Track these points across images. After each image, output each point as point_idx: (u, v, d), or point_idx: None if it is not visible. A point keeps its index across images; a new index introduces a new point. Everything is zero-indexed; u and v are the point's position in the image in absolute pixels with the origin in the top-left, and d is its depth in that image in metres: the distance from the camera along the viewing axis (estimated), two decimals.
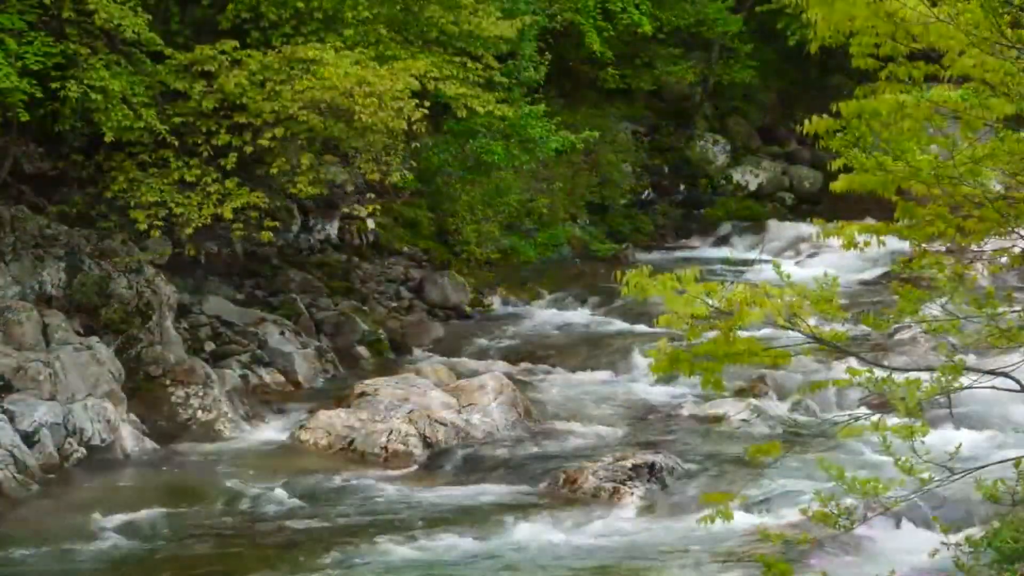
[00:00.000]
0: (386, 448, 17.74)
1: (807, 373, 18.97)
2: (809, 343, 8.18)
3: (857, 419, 8.59)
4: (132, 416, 17.93)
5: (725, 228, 32.35)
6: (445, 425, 18.26)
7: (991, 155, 7.95)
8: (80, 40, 17.61)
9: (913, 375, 8.29)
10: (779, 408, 19.34)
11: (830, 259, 23.53)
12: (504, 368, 21.24)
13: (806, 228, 27.49)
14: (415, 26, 20.89)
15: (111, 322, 18.86)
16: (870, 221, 8.71)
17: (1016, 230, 8.34)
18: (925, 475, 8.11)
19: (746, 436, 18.28)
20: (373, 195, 22.37)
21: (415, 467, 17.55)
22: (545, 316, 24.90)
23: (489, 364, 21.77)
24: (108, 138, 17.67)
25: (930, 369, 8.43)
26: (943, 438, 11.71)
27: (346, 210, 24.68)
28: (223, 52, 18.58)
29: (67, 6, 17.45)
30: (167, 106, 18.64)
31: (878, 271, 26.35)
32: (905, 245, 8.89)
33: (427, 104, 19.04)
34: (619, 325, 23.99)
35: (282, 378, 20.28)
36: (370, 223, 25.99)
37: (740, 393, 19.63)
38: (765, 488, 16.09)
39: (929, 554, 9.46)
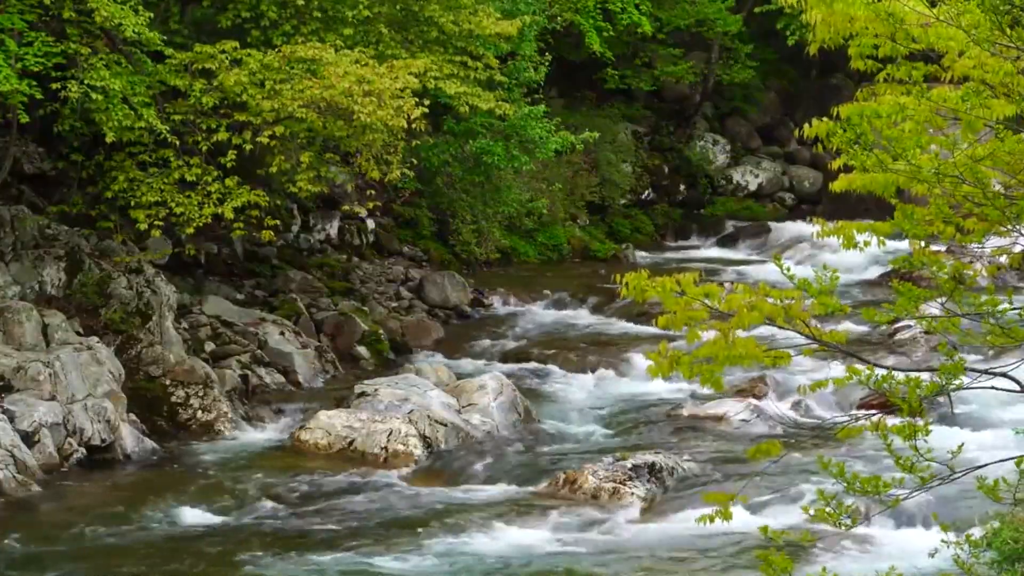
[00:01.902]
0: (386, 448, 17.74)
1: (807, 373, 18.97)
2: (809, 344, 8.18)
3: (857, 419, 8.59)
4: (132, 416, 17.93)
5: (725, 228, 32.36)
6: (445, 425, 18.27)
7: (991, 155, 7.96)
8: (80, 40, 17.62)
9: (913, 374, 8.30)
10: (779, 408, 19.35)
11: (830, 259, 23.55)
12: (504, 368, 21.25)
13: (806, 228, 27.53)
14: (415, 25, 20.90)
15: (111, 322, 18.86)
16: (870, 220, 8.71)
17: (1017, 228, 8.34)
18: (926, 474, 8.11)
19: (746, 436, 18.30)
20: (373, 192, 22.38)
21: (415, 467, 17.55)
22: (545, 316, 24.92)
23: (489, 364, 21.79)
24: (109, 138, 17.68)
25: (930, 369, 8.44)
26: (943, 438, 11.72)
27: (346, 209, 24.70)
28: (223, 51, 18.60)
29: (67, 6, 17.45)
30: (167, 105, 18.66)
31: (878, 271, 26.39)
32: (904, 244, 8.90)
33: (427, 103, 19.06)
34: (619, 325, 24.00)
35: (282, 378, 20.29)
36: (370, 223, 26.00)
37: (740, 393, 19.64)
38: (765, 488, 16.09)
39: (929, 554, 9.46)
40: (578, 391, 20.87)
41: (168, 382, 18.68)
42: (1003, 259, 9.61)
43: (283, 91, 18.17)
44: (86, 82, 17.26)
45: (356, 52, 18.80)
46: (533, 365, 21.90)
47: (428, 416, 18.26)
